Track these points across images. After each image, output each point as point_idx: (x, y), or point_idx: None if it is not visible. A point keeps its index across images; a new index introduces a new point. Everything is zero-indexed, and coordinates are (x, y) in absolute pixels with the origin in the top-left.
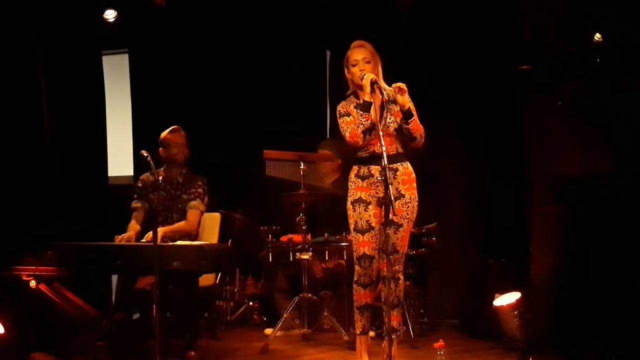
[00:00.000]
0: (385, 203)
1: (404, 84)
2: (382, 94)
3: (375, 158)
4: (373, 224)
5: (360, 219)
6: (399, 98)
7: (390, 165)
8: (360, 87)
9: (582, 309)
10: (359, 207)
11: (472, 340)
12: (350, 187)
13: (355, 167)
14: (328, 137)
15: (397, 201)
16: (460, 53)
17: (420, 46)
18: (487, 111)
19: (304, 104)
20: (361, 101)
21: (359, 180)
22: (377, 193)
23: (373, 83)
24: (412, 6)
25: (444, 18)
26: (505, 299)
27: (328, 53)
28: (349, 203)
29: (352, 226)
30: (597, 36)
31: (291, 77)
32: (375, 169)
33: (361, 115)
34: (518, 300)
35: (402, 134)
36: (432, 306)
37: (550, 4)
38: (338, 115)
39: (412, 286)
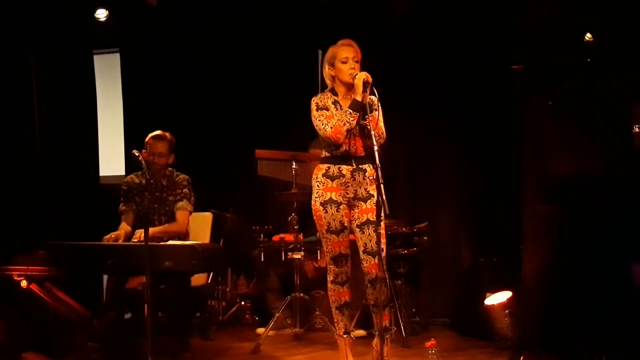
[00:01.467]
0: (377, 203)
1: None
2: (367, 92)
3: (346, 158)
4: (346, 224)
5: (334, 220)
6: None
7: (360, 166)
8: (347, 85)
9: (573, 308)
10: (331, 209)
11: (463, 339)
12: (317, 187)
13: (323, 166)
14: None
15: (368, 201)
16: (454, 53)
17: (414, 47)
18: (479, 111)
19: (295, 104)
20: (339, 98)
21: (328, 180)
22: (347, 193)
23: (366, 83)
24: (406, 7)
25: (436, 19)
26: (497, 298)
27: (320, 53)
28: (317, 204)
29: (324, 227)
30: (588, 36)
31: (283, 77)
32: (345, 169)
33: (350, 114)
34: (509, 299)
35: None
36: (423, 305)
37: (549, 4)
38: (315, 108)
39: (403, 285)
